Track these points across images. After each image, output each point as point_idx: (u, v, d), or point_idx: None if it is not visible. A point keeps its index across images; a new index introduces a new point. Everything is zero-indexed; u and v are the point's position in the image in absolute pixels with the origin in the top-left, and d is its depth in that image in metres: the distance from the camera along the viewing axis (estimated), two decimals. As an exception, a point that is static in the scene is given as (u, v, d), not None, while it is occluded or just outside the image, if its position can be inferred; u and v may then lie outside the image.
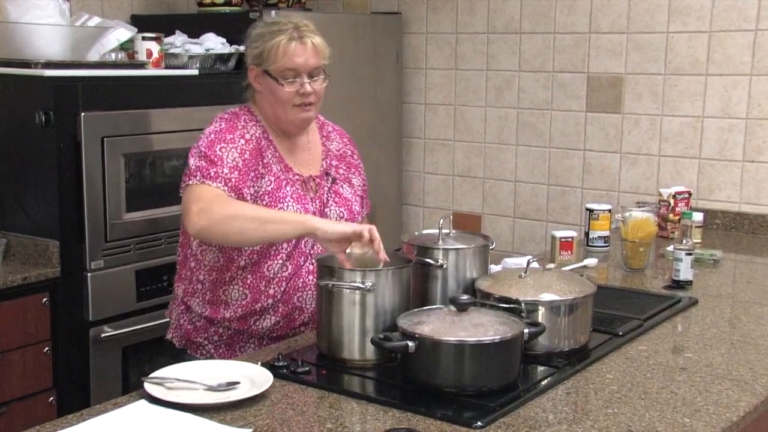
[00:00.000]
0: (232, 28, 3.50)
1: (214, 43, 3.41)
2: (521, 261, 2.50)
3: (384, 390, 1.78)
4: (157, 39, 3.25)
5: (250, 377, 1.76)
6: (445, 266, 2.06)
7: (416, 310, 1.89)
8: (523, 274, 2.02)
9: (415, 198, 4.22)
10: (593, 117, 3.70)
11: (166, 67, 3.27)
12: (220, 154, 2.02)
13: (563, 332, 1.94)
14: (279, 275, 2.08)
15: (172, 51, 3.33)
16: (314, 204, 2.15)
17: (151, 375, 1.77)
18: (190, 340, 2.19)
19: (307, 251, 2.12)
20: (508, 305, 1.92)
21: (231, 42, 3.45)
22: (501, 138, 3.95)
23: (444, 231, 2.11)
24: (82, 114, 2.81)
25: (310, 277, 2.10)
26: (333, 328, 1.89)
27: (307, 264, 2.11)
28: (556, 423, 1.64)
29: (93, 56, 3.08)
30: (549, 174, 3.84)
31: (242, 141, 2.06)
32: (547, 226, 3.82)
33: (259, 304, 2.09)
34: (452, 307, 1.82)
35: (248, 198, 2.03)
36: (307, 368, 1.83)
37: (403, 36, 4.08)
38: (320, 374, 1.84)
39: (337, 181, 2.22)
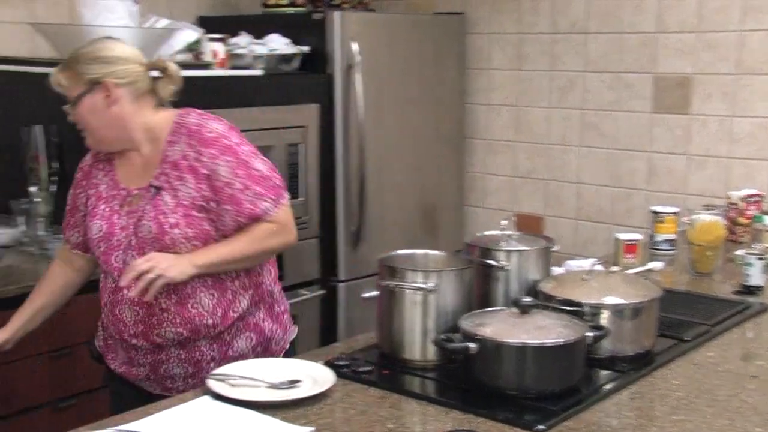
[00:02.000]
0: (297, 29, 3.53)
1: (278, 43, 3.45)
2: (584, 263, 2.47)
3: (445, 391, 1.77)
4: (222, 40, 3.30)
5: (312, 376, 1.77)
6: (507, 268, 2.04)
7: (478, 311, 1.88)
8: (586, 276, 2.00)
9: (477, 199, 4.20)
10: (659, 118, 3.63)
11: (231, 68, 3.31)
12: (68, 203, 2.17)
13: (627, 336, 1.91)
14: (105, 289, 2.13)
15: (237, 51, 3.37)
16: (126, 219, 2.00)
17: (215, 372, 1.79)
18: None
19: (119, 266, 2.02)
20: (571, 308, 1.89)
21: (295, 42, 3.48)
22: (564, 139, 3.90)
23: (506, 232, 2.10)
24: (150, 114, 2.86)
25: (125, 291, 1.98)
26: (394, 329, 1.89)
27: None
28: (620, 428, 1.61)
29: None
30: (613, 176, 3.78)
31: (84, 168, 2.13)
32: (610, 228, 3.76)
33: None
34: (514, 309, 1.81)
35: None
36: (369, 368, 1.84)
37: (466, 36, 4.06)
38: (381, 374, 1.84)
39: (162, 191, 1.98)
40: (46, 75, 3.00)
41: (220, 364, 1.97)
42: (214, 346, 2.01)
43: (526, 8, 3.92)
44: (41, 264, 2.86)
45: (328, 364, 1.84)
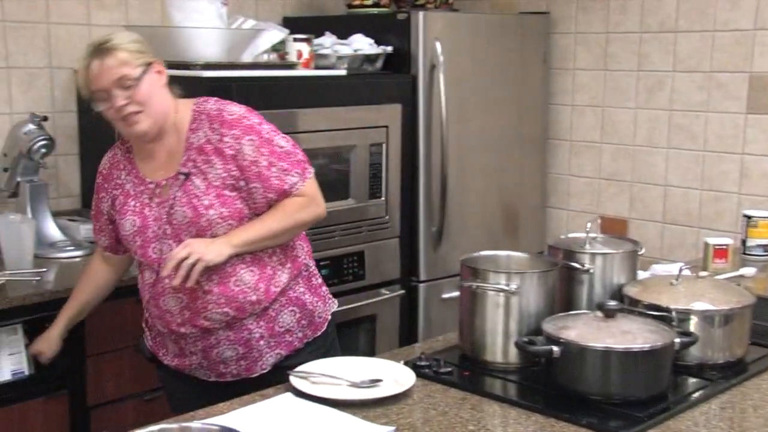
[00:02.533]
0: (381, 29, 3.54)
1: (362, 43, 3.47)
2: (671, 268, 2.41)
3: (527, 394, 1.75)
4: (307, 40, 3.33)
5: (393, 375, 1.77)
6: (592, 271, 2.01)
7: (561, 314, 1.86)
8: (674, 281, 1.95)
9: (560, 201, 4.14)
10: (754, 119, 3.51)
11: (316, 68, 3.34)
12: (95, 209, 2.20)
13: (717, 344, 1.86)
14: (144, 285, 2.17)
15: (321, 52, 3.40)
16: (158, 210, 2.03)
17: (297, 369, 1.81)
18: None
19: (157, 257, 2.08)
20: (657, 313, 1.85)
21: (379, 43, 3.49)
22: (651, 141, 3.81)
23: (591, 235, 2.06)
24: (236, 113, 2.91)
25: (167, 281, 2.02)
26: (476, 330, 1.88)
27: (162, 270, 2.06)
28: (709, 438, 1.56)
29: (247, 57, 3.19)
30: (702, 178, 3.68)
31: (105, 170, 2.17)
32: (698, 232, 3.66)
33: (144, 316, 2.25)
34: (599, 313, 1.78)
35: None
36: (450, 369, 1.83)
37: (550, 36, 4.01)
38: (462, 375, 1.83)
39: (191, 176, 2.01)
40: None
41: (269, 342, 2.03)
42: (261, 323, 2.04)
43: (614, 7, 3.85)
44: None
45: (409, 364, 1.84)
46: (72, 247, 2.93)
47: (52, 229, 2.98)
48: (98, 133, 3.23)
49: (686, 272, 1.98)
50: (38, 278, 2.63)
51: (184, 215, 2.00)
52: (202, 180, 2.00)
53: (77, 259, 2.89)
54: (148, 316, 2.19)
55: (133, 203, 2.08)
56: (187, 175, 2.02)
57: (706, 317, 1.85)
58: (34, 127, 2.98)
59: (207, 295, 2.02)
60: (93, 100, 2.02)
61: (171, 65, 2.98)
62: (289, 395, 1.72)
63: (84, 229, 3.07)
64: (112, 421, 2.69)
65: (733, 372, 1.83)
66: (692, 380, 1.80)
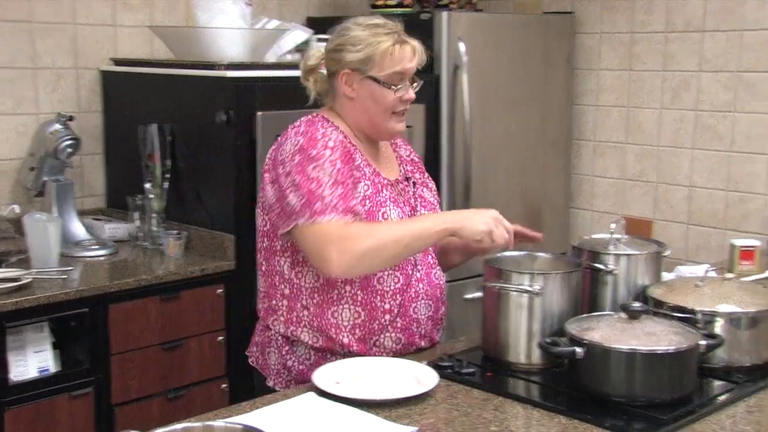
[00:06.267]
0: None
1: (385, 44, 3.46)
2: (697, 269, 2.39)
3: (550, 395, 1.74)
4: (330, 41, 3.33)
5: (416, 375, 1.77)
6: (616, 272, 1.99)
7: (585, 315, 1.84)
8: (699, 283, 1.93)
9: (584, 201, 4.12)
10: (781, 119, 3.47)
11: (339, 68, 3.34)
12: (315, 175, 1.85)
13: (744, 346, 1.84)
14: (392, 288, 1.93)
15: (344, 52, 3.40)
16: (406, 208, 2.01)
17: (320, 368, 1.81)
18: (306, 382, 1.84)
19: (413, 259, 1.97)
20: (683, 315, 1.83)
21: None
22: (676, 141, 3.78)
23: (615, 236, 2.05)
24: (259, 113, 2.93)
25: (420, 285, 1.97)
26: (499, 331, 1.87)
27: (415, 272, 1.97)
28: (735, 442, 1.55)
29: (270, 57, 3.20)
30: (728, 179, 3.64)
31: (327, 152, 1.88)
32: (724, 234, 3.63)
33: (377, 322, 1.93)
34: (623, 315, 1.76)
35: (362, 211, 1.90)
36: (472, 369, 1.82)
37: (575, 36, 3.99)
38: (485, 376, 1.83)
39: (417, 185, 2.08)
40: (162, 76, 3.13)
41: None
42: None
43: (639, 6, 3.82)
44: (154, 258, 2.96)
45: (431, 364, 1.84)
46: (97, 246, 2.96)
47: (77, 228, 3.01)
48: (122, 132, 3.27)
49: (712, 274, 1.96)
50: (64, 276, 2.65)
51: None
52: (427, 189, 2.13)
53: (102, 258, 2.92)
54: (388, 326, 1.95)
55: (387, 193, 1.97)
56: (415, 184, 2.09)
57: (733, 319, 1.83)
58: (61, 126, 3.01)
59: (443, 294, 2.05)
60: (385, 81, 1.93)
61: (195, 65, 3.03)
62: (311, 395, 1.72)
63: (109, 228, 3.10)
64: (136, 418, 2.71)
65: (759, 375, 1.81)
66: (718, 383, 1.78)
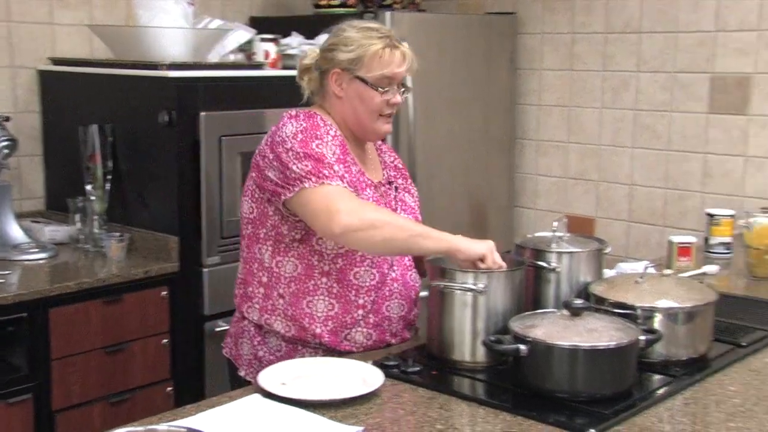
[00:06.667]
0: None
1: (329, 44, 3.46)
2: (637, 266, 2.44)
3: (494, 393, 1.76)
4: (274, 40, 3.32)
5: (361, 375, 1.77)
6: (558, 270, 2.02)
7: (528, 313, 1.87)
8: (639, 279, 1.97)
9: (527, 200, 4.17)
10: (716, 119, 3.56)
11: (283, 68, 3.34)
12: (319, 151, 1.90)
13: (681, 341, 1.88)
14: (367, 284, 1.98)
15: (288, 52, 3.39)
16: (387, 210, 2.05)
17: (265, 370, 1.80)
18: None
19: (390, 258, 2.01)
20: (623, 311, 1.87)
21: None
22: (616, 140, 3.85)
23: (558, 234, 2.08)
24: (202, 114, 2.90)
25: (395, 285, 2.02)
26: (444, 329, 1.88)
27: (391, 271, 2.01)
28: (673, 434, 1.58)
29: (213, 57, 3.18)
30: (666, 177, 3.72)
31: (329, 137, 1.95)
32: (663, 231, 3.71)
33: (350, 316, 1.97)
34: (566, 312, 1.79)
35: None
36: (418, 368, 1.83)
37: (517, 36, 4.04)
38: (430, 375, 1.84)
39: (399, 190, 2.13)
40: (103, 76, 3.09)
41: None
42: None
43: (579, 7, 3.88)
44: (96, 261, 2.92)
45: (377, 364, 1.84)
46: (36, 249, 2.90)
47: (15, 231, 2.94)
48: (62, 133, 3.21)
49: (651, 270, 2.00)
50: (2, 281, 2.59)
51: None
52: (409, 195, 2.18)
53: (41, 261, 2.86)
54: (361, 321, 1.99)
55: (369, 193, 2.02)
56: (397, 188, 2.13)
57: (670, 315, 1.87)
58: (-4, 127, 2.94)
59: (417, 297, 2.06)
60: (373, 83, 1.97)
61: (137, 65, 2.99)
62: (257, 396, 1.71)
63: (48, 231, 3.04)
64: (77, 425, 2.66)
65: (696, 368, 1.85)
66: (657, 377, 1.82)
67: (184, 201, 2.91)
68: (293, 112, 2.01)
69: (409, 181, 2.21)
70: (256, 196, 2.00)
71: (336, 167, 1.91)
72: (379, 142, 2.20)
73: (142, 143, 3.01)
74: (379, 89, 1.98)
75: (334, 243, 1.95)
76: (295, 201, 1.90)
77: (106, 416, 2.73)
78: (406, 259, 2.07)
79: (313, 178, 1.87)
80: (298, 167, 1.89)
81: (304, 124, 1.95)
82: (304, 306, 1.97)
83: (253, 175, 2.01)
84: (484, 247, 1.88)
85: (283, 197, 1.91)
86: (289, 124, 1.96)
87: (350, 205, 1.85)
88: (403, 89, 2.03)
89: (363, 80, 1.98)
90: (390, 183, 2.12)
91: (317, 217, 1.87)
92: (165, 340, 2.89)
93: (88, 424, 2.67)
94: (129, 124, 3.04)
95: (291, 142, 1.92)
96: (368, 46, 1.97)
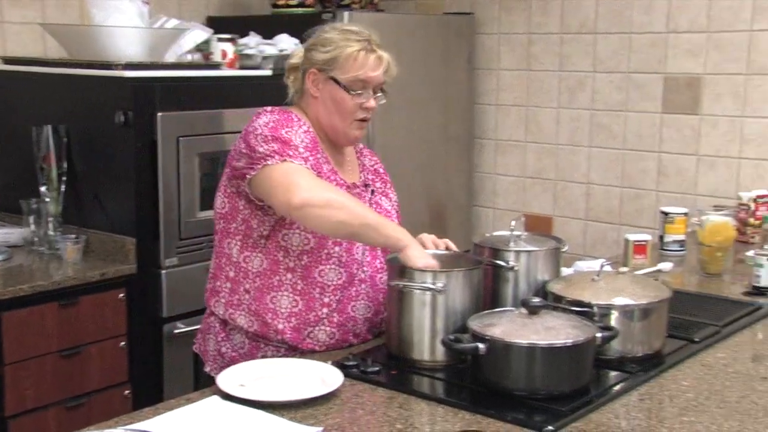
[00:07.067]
0: (306, 29, 3.52)
1: (287, 44, 3.45)
2: (594, 264, 2.46)
3: (454, 391, 1.77)
4: (231, 40, 3.30)
5: (321, 376, 1.77)
6: (516, 268, 2.04)
7: (487, 312, 1.88)
8: (595, 277, 1.99)
9: (486, 199, 4.20)
10: (669, 118, 3.62)
11: (241, 68, 3.32)
12: (288, 136, 1.93)
13: (637, 337, 1.91)
14: (334, 283, 1.98)
15: (246, 52, 3.38)
16: None
17: (224, 372, 1.79)
18: None
19: (359, 258, 2.03)
20: (580, 309, 1.89)
21: (304, 43, 3.47)
22: (573, 139, 3.89)
23: (516, 233, 2.09)
24: (159, 114, 2.87)
25: (363, 286, 2.02)
26: (403, 329, 1.89)
27: (359, 272, 2.02)
28: (629, 430, 1.61)
29: (170, 57, 3.15)
30: (622, 176, 3.77)
31: (301, 130, 1.98)
32: (619, 229, 3.76)
33: (314, 314, 1.97)
34: (523, 310, 1.80)
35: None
36: (377, 368, 1.83)
37: (475, 36, 4.06)
38: (390, 374, 1.84)
39: (375, 193, 2.15)
40: (57, 75, 3.04)
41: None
42: None
43: (536, 8, 3.92)
44: (51, 263, 2.87)
45: (337, 364, 1.84)
46: (-13, 252, 2.85)
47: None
48: (14, 134, 3.15)
49: (607, 268, 2.03)
50: (-48, 285, 2.54)
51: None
52: (386, 198, 2.19)
53: (-7, 264, 2.81)
54: (325, 321, 1.99)
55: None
56: (373, 192, 2.14)
57: (626, 312, 1.89)
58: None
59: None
60: (345, 85, 1.99)
61: (92, 65, 2.95)
62: (215, 398, 1.70)
63: (1, 233, 2.99)
64: (32, 430, 2.62)
65: (651, 364, 1.88)
66: (613, 373, 1.84)
67: (142, 202, 2.88)
68: (269, 108, 2.04)
69: (389, 185, 2.22)
70: (229, 190, 2.02)
71: (301, 149, 1.92)
72: (360, 145, 2.21)
73: (98, 144, 2.97)
74: (351, 92, 2.00)
75: (300, 239, 1.95)
76: (258, 179, 1.91)
77: (61, 421, 2.69)
78: (378, 261, 2.07)
79: (277, 156, 1.90)
80: (264, 148, 1.91)
81: (278, 117, 1.98)
82: (268, 301, 1.98)
83: (227, 170, 2.03)
84: (423, 264, 1.87)
85: (248, 176, 1.93)
86: (263, 116, 1.99)
87: (310, 182, 1.86)
88: (379, 94, 2.04)
89: (336, 81, 2.00)
90: (366, 186, 2.13)
91: (276, 191, 1.88)
92: (123, 343, 2.85)
93: (42, 430, 2.63)
94: (84, 125, 3.00)
95: (261, 129, 1.95)
96: (344, 48, 1.99)
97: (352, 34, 2.02)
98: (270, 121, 1.96)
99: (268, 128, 1.94)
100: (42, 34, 3.29)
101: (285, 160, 1.89)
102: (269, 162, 1.90)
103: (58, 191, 2.97)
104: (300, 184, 1.85)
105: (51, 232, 2.96)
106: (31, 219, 3.00)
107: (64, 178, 2.98)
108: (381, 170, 2.23)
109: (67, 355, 2.71)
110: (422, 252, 1.90)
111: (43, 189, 2.97)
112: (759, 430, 1.59)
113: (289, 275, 1.97)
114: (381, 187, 2.19)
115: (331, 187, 1.95)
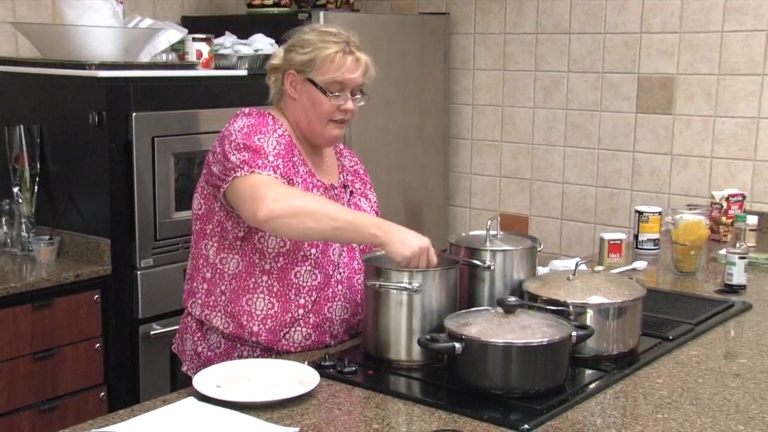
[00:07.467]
0: (281, 29, 3.49)
1: (262, 43, 3.44)
2: (569, 263, 2.48)
3: (430, 391, 1.77)
4: (207, 40, 3.29)
5: (297, 376, 1.77)
6: (492, 268, 2.05)
7: (463, 311, 1.88)
8: (571, 276, 2.00)
9: (462, 199, 4.21)
10: (643, 118, 3.65)
11: (216, 68, 3.31)
12: (260, 143, 1.92)
13: (612, 336, 1.92)
14: (309, 284, 1.98)
15: (221, 52, 3.36)
16: None
17: (200, 373, 1.79)
18: None
19: (336, 260, 2.02)
20: (556, 308, 1.90)
21: (279, 43, 3.45)
22: (549, 139, 3.91)
23: (492, 232, 2.10)
24: (134, 114, 2.86)
25: (339, 287, 2.02)
26: (380, 329, 1.89)
27: (336, 273, 2.02)
28: (604, 427, 1.62)
29: (144, 57, 3.13)
30: (597, 176, 3.80)
31: (276, 134, 1.96)
32: (595, 228, 3.78)
33: (289, 315, 1.97)
34: (500, 309, 1.81)
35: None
36: (354, 368, 1.83)
37: (451, 36, 4.07)
38: (366, 374, 1.84)
39: (354, 194, 2.15)
40: (29, 75, 3.01)
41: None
42: None
43: (511, 8, 3.93)
44: (25, 265, 2.85)
45: (313, 364, 1.84)
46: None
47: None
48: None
49: (582, 267, 2.04)
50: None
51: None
52: (365, 200, 2.18)
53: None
54: (301, 321, 1.99)
55: (317, 194, 2.02)
56: (352, 193, 2.14)
57: (601, 310, 1.91)
58: None
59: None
60: (323, 86, 1.98)
61: (65, 64, 2.92)
62: (191, 400, 1.69)
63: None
64: (6, 433, 2.59)
65: (626, 362, 1.90)
66: (589, 372, 1.86)
67: (116, 203, 2.86)
68: (246, 110, 2.03)
69: (369, 186, 2.22)
70: (205, 192, 2.01)
71: (271, 158, 1.91)
72: (341, 146, 2.21)
73: (71, 144, 2.94)
74: (328, 93, 1.99)
75: (276, 242, 1.95)
76: (229, 191, 1.92)
77: (35, 424, 2.67)
78: (356, 262, 2.07)
79: (246, 168, 1.89)
80: (235, 157, 1.91)
81: (253, 121, 1.97)
82: (243, 303, 1.97)
83: (204, 171, 2.03)
84: (409, 253, 1.86)
85: (221, 190, 1.93)
86: (239, 120, 1.98)
87: (276, 192, 1.85)
88: (356, 97, 2.04)
89: (314, 83, 2.00)
90: (345, 187, 2.13)
91: (244, 204, 1.88)
92: (98, 345, 2.83)
93: (17, 433, 2.61)
94: (57, 125, 2.97)
95: (235, 135, 1.94)
96: (322, 50, 1.99)
97: (331, 36, 2.02)
98: (245, 126, 1.95)
99: (241, 134, 1.93)
100: (14, 33, 3.25)
101: (253, 172, 1.88)
102: (238, 174, 1.89)
103: (31, 192, 2.94)
104: (266, 196, 1.84)
105: (24, 234, 2.93)
106: (4, 220, 2.97)
107: (37, 179, 2.95)
108: (361, 171, 2.23)
109: (41, 358, 2.68)
110: (401, 245, 1.86)
111: (15, 190, 2.94)
112: (731, 426, 1.61)
113: (264, 277, 1.97)
114: (360, 188, 2.18)
115: (301, 193, 1.94)
